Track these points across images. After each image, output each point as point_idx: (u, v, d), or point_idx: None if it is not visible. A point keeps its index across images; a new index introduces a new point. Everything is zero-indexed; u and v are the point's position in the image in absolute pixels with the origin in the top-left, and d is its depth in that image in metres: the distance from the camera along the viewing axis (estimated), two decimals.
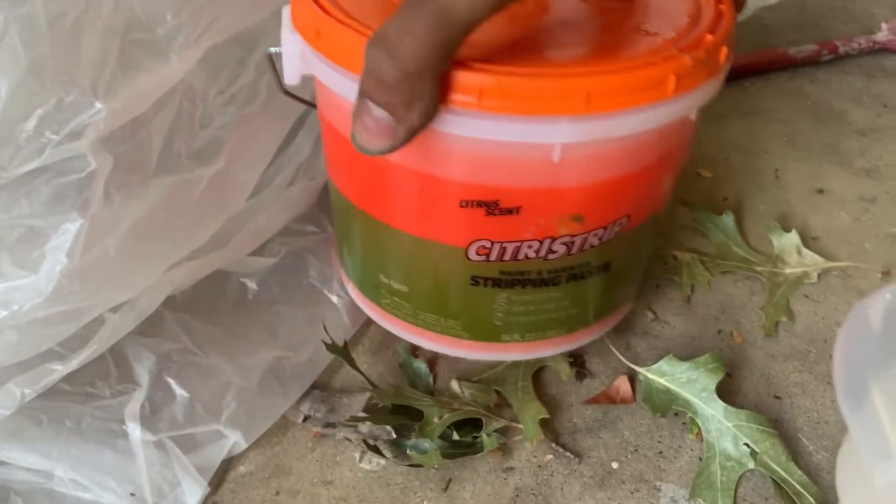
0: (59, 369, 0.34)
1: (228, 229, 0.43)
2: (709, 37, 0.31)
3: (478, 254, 0.34)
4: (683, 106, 0.31)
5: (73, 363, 0.35)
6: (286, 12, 0.35)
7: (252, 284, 0.46)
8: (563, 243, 0.34)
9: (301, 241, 0.48)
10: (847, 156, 0.57)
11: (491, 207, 0.32)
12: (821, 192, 0.54)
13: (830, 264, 0.48)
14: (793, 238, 0.49)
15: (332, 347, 0.42)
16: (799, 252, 0.49)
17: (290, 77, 0.34)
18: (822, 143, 0.58)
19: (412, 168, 0.32)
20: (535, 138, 0.29)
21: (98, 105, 0.31)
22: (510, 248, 0.34)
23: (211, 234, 0.41)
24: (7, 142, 0.29)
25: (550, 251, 0.34)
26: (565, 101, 0.28)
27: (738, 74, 0.64)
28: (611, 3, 0.35)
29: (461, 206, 0.32)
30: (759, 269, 0.48)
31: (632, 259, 0.40)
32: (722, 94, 0.61)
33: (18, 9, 0.29)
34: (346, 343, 0.43)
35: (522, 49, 0.31)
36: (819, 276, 0.48)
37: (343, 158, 0.36)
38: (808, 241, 0.50)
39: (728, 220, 0.50)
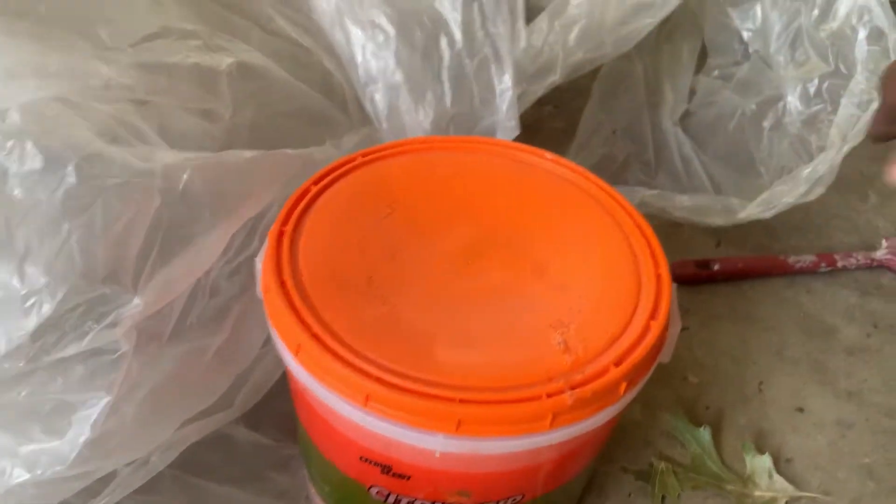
0: None
1: (233, 389, 0.47)
2: (613, 369, 0.34)
3: (377, 495, 0.39)
4: (567, 434, 0.34)
5: None
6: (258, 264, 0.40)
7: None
8: None
9: None
10: (832, 375, 0.60)
11: (385, 469, 0.37)
12: (801, 410, 0.57)
13: (799, 493, 0.51)
14: (765, 461, 0.52)
15: None
16: (770, 476, 0.51)
17: (259, 293, 0.39)
18: (810, 358, 0.61)
19: (329, 421, 0.37)
20: (416, 442, 0.33)
21: (136, 300, 0.36)
22: (404, 500, 0.39)
23: (218, 395, 0.45)
24: (53, 329, 0.34)
25: None
26: (439, 421, 0.32)
27: (737, 277, 0.68)
28: (551, 275, 0.39)
29: (361, 460, 0.37)
30: (729, 487, 0.50)
31: None
32: (719, 294, 0.66)
33: (80, 216, 0.34)
34: None
35: (422, 335, 0.35)
36: (786, 503, 0.50)
37: (294, 393, 0.42)
38: (781, 462, 0.53)
39: (705, 434, 0.53)
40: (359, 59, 0.54)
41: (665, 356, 0.39)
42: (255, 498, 0.46)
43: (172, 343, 0.40)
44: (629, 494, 0.50)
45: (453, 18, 0.54)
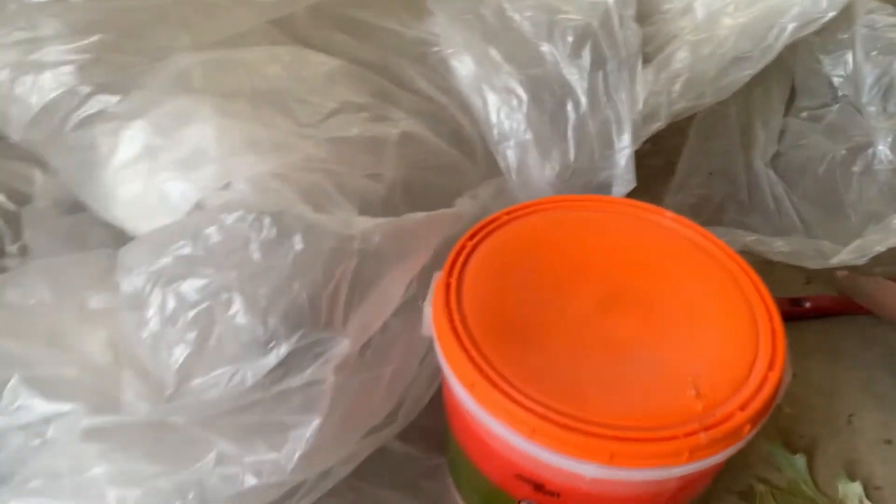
0: None
1: (396, 407, 0.55)
2: (739, 413, 0.40)
3: None
4: (696, 468, 0.41)
5: None
6: (431, 288, 0.48)
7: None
8: None
9: None
10: None
11: (537, 486, 0.44)
12: (889, 442, 0.62)
13: None
14: (857, 488, 0.57)
15: None
16: (861, 502, 0.57)
17: (426, 331, 0.47)
18: None
19: (490, 443, 0.45)
20: (570, 469, 0.41)
21: (345, 342, 0.44)
22: None
23: (387, 413, 0.53)
24: (278, 368, 0.42)
25: None
26: (594, 453, 0.39)
27: (828, 314, 0.73)
28: (678, 327, 0.46)
29: (516, 477, 0.45)
30: None
31: None
32: (809, 331, 0.71)
33: (306, 276, 0.43)
34: None
35: (573, 379, 0.42)
36: None
37: (454, 415, 0.50)
38: (870, 490, 0.58)
39: (801, 460, 0.59)
40: (493, 119, 0.61)
41: (778, 399, 0.45)
42: (410, 501, 0.54)
43: (356, 373, 0.48)
44: None
45: (580, 85, 0.61)
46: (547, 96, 0.60)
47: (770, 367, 0.44)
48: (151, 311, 0.42)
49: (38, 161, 0.66)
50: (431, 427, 0.58)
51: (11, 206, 0.64)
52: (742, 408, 0.41)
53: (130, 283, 0.43)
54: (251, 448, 0.44)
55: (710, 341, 0.45)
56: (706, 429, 0.40)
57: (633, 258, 0.51)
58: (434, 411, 0.55)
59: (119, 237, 0.57)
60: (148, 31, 0.52)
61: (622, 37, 0.60)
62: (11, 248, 0.62)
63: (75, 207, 0.61)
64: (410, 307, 0.53)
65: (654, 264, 0.51)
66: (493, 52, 0.60)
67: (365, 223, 0.46)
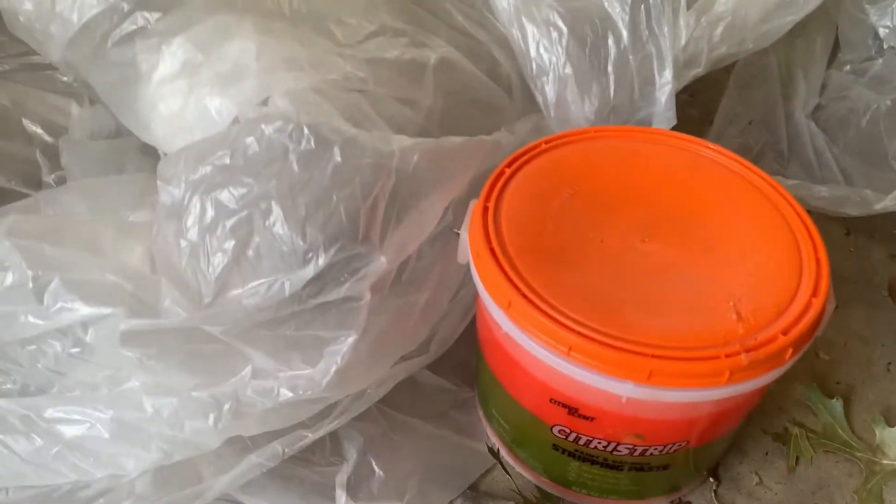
0: (310, 436, 0.47)
1: (428, 337, 0.55)
2: (781, 337, 0.39)
3: (559, 433, 0.46)
4: (738, 390, 0.40)
5: (320, 432, 0.47)
6: (468, 215, 0.47)
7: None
8: (627, 448, 0.45)
9: None
10: None
11: (571, 411, 0.44)
12: None
13: None
14: (894, 433, 0.56)
15: (491, 451, 0.53)
16: None
17: (462, 258, 0.47)
18: None
19: (525, 367, 0.44)
20: (607, 388, 0.40)
21: (382, 259, 0.44)
22: (583, 438, 0.46)
23: (419, 342, 0.53)
24: (318, 279, 0.42)
25: (616, 450, 0.46)
26: (632, 371, 0.39)
27: None
28: (720, 254, 0.45)
29: (550, 402, 0.44)
30: (859, 454, 0.55)
31: (692, 465, 0.50)
32: (847, 279, 0.69)
33: (345, 189, 0.42)
34: (498, 450, 0.54)
35: (612, 300, 0.42)
36: None
37: (488, 343, 0.49)
38: None
39: (837, 405, 0.58)
40: (532, 52, 0.60)
41: (821, 329, 0.44)
42: (440, 431, 0.54)
43: (391, 297, 0.48)
44: (766, 453, 0.56)
45: (621, 18, 0.59)
46: (587, 29, 0.59)
47: (814, 293, 0.43)
48: (191, 220, 0.42)
49: (75, 94, 0.66)
50: (463, 361, 0.58)
51: (48, 138, 0.64)
52: (785, 332, 0.41)
53: (169, 192, 0.43)
54: (287, 362, 0.44)
55: (753, 267, 0.44)
56: (747, 350, 0.39)
57: (675, 186, 0.50)
58: (466, 346, 0.55)
59: (156, 163, 0.57)
60: None
61: None
62: (48, 179, 0.63)
63: (111, 136, 0.61)
64: (447, 236, 0.52)
65: (698, 193, 0.50)
66: None
67: (404, 142, 0.46)
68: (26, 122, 0.65)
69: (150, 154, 0.58)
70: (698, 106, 0.87)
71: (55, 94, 0.67)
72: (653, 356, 0.39)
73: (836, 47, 0.90)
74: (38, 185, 0.64)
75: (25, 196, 0.55)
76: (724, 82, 0.84)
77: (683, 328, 0.41)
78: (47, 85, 0.67)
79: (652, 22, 0.60)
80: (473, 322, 0.54)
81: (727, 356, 0.39)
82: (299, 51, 0.48)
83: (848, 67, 0.88)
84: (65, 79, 0.65)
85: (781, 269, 0.44)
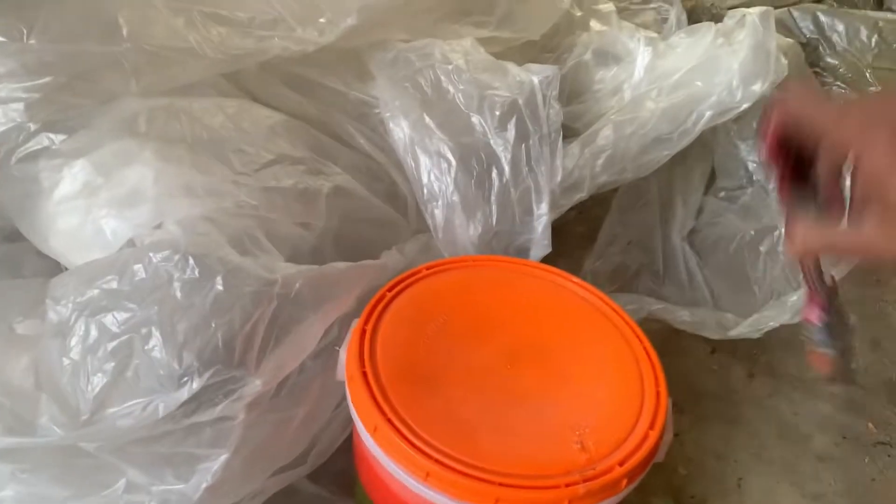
0: None
1: (307, 449, 0.57)
2: (618, 468, 0.44)
3: None
4: None
5: None
6: (348, 335, 0.51)
7: None
8: None
9: None
10: (802, 477, 0.70)
11: None
12: None
13: None
14: None
15: None
16: None
17: (339, 376, 0.50)
18: (784, 461, 0.71)
19: (391, 487, 0.47)
20: None
21: (257, 381, 0.47)
22: None
23: (298, 453, 0.55)
24: (193, 400, 0.45)
25: None
26: (481, 497, 0.42)
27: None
28: (573, 383, 0.49)
29: None
30: None
31: None
32: (708, 397, 0.75)
33: (224, 316, 0.45)
34: None
35: (470, 425, 0.46)
36: None
37: (361, 460, 0.52)
38: None
39: None
40: (424, 180, 0.65)
41: (659, 457, 0.49)
42: None
43: (269, 412, 0.51)
44: None
45: (504, 156, 0.65)
46: (474, 163, 0.65)
47: (651, 426, 0.48)
48: (74, 340, 0.44)
49: None
50: (343, 470, 0.60)
51: None
52: (621, 463, 0.45)
53: (57, 311, 0.45)
54: (159, 477, 0.46)
55: (600, 398, 0.49)
56: (586, 480, 0.44)
57: (539, 316, 0.55)
58: (346, 454, 0.58)
59: (53, 269, 0.59)
60: (99, 75, 0.55)
61: (545, 114, 0.65)
62: None
63: (12, 236, 0.63)
64: (330, 352, 0.56)
65: (558, 323, 0.55)
66: (428, 119, 0.65)
67: (288, 269, 0.49)
68: None
69: (47, 258, 0.60)
70: (585, 223, 0.94)
71: None
72: (500, 484, 0.43)
73: (714, 174, 1.00)
74: None
75: None
76: (611, 202, 0.92)
77: (531, 455, 0.45)
78: None
79: (531, 160, 0.66)
80: (353, 433, 0.57)
81: (567, 486, 0.43)
82: (196, 178, 0.52)
83: (723, 194, 0.97)
84: None
85: (625, 401, 0.49)
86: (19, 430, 0.43)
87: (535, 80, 0.65)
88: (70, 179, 0.51)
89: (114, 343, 0.44)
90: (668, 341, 0.82)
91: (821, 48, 1.05)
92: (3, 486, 0.44)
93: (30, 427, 0.43)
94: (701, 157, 0.98)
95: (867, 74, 1.05)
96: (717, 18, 0.98)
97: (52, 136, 0.52)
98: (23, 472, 0.43)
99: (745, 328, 0.72)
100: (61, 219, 0.52)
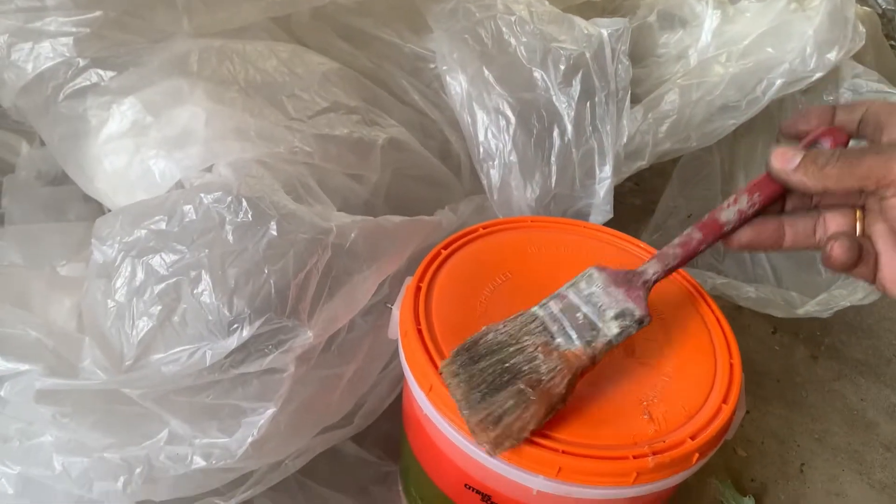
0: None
1: (354, 409, 0.55)
2: (689, 442, 0.41)
3: None
4: (644, 490, 0.41)
5: (232, 501, 0.46)
6: (401, 292, 0.48)
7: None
8: None
9: None
10: (869, 466, 0.66)
11: (485, 497, 0.45)
12: (837, 495, 0.63)
13: None
14: None
15: None
16: None
17: (392, 334, 0.48)
18: (850, 448, 0.67)
19: (443, 451, 0.45)
20: (519, 480, 0.41)
21: (309, 333, 0.44)
22: None
23: (345, 413, 0.53)
24: (242, 349, 0.43)
25: None
26: (543, 466, 0.39)
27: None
28: (639, 353, 0.46)
29: (465, 487, 0.45)
30: None
31: None
32: (769, 378, 0.71)
33: (277, 263, 0.43)
34: None
35: None
36: None
37: (410, 421, 0.50)
38: None
39: (750, 503, 0.59)
40: (481, 137, 0.62)
41: (730, 434, 0.46)
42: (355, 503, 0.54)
43: (318, 368, 0.48)
44: None
45: (567, 113, 0.62)
46: (534, 121, 0.61)
47: (724, 400, 0.44)
48: (120, 282, 0.42)
49: (25, 132, 0.67)
50: (388, 434, 0.58)
51: None
52: (693, 437, 0.42)
53: (103, 251, 0.43)
54: (203, 430, 0.44)
55: (669, 370, 0.46)
56: (655, 453, 0.41)
57: None
58: (392, 418, 0.56)
59: (97, 214, 0.57)
60: (150, 12, 0.53)
61: (613, 70, 0.61)
62: None
63: (57, 180, 0.62)
64: (381, 309, 0.53)
65: None
66: (487, 73, 0.61)
67: (342, 218, 0.47)
68: None
69: (92, 202, 0.59)
70: (642, 195, 0.90)
71: (4, 131, 0.67)
72: (563, 452, 0.40)
73: None
74: None
75: None
76: (671, 174, 0.88)
77: (596, 426, 0.42)
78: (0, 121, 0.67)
79: (596, 119, 0.62)
80: (401, 395, 0.54)
81: (635, 457, 0.40)
82: (249, 121, 0.49)
83: None
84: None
85: (696, 373, 0.46)
86: (61, 372, 0.41)
87: (605, 32, 0.61)
88: (118, 117, 0.49)
89: (161, 286, 0.41)
90: (728, 317, 0.78)
91: None
92: (44, 430, 0.42)
93: (72, 370, 0.41)
94: (765, 131, 0.93)
95: None
96: None
97: (101, 72, 0.50)
98: (63, 417, 0.41)
99: (813, 307, 0.68)
100: (108, 158, 0.49)
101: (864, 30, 0.85)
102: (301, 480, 0.53)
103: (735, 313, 0.75)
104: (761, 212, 0.42)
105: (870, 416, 0.71)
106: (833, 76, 0.84)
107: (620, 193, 0.93)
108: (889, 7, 1.00)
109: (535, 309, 0.44)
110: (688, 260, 0.44)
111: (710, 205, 0.86)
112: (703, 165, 0.86)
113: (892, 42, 1.00)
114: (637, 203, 0.90)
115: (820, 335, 0.79)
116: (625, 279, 0.44)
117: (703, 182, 0.85)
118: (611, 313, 0.43)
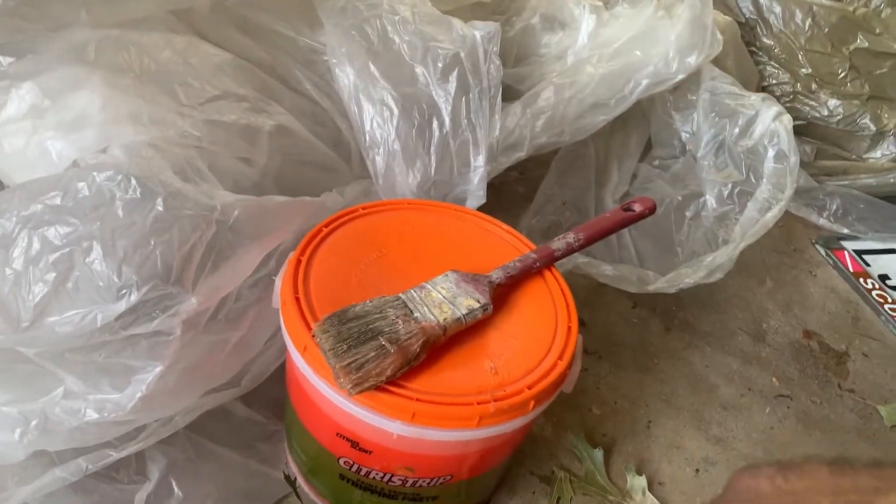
0: (114, 455, 0.51)
1: (241, 372, 0.60)
2: (526, 391, 0.48)
3: (344, 464, 0.54)
4: (488, 433, 0.48)
5: (124, 452, 0.51)
6: (283, 268, 0.54)
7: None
8: (399, 479, 0.53)
9: None
10: (706, 423, 0.75)
11: (353, 444, 0.51)
12: (677, 447, 0.72)
13: None
14: (642, 481, 0.66)
15: (288, 479, 0.59)
16: (644, 494, 0.66)
17: (275, 303, 0.54)
18: (692, 408, 0.77)
19: (318, 404, 0.51)
20: (380, 426, 0.47)
21: (192, 300, 0.49)
22: (364, 469, 0.53)
23: (231, 376, 0.58)
24: (131, 312, 0.47)
25: (390, 481, 0.53)
26: (400, 412, 0.46)
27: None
28: (497, 328, 0.53)
29: (337, 436, 0.51)
30: (611, 498, 0.65)
31: (463, 497, 0.59)
32: (625, 347, 0.80)
33: (163, 236, 0.48)
34: (295, 479, 0.60)
35: None
36: None
37: (291, 381, 0.56)
38: (654, 484, 0.67)
39: (598, 454, 0.67)
40: (367, 127, 0.68)
41: (567, 387, 0.53)
42: (244, 460, 0.59)
43: (205, 333, 0.53)
44: (533, 493, 0.64)
45: (445, 107, 0.68)
46: (416, 113, 0.68)
47: (560, 357, 0.52)
48: (17, 252, 0.46)
49: None
50: (277, 399, 0.63)
51: None
52: (530, 387, 0.49)
53: (1, 224, 0.47)
54: (96, 386, 0.49)
55: (515, 331, 0.53)
56: (496, 400, 0.48)
57: (466, 255, 0.58)
58: (280, 384, 0.61)
59: None
60: (48, 3, 0.56)
61: (485, 69, 0.68)
62: None
63: None
64: (267, 282, 0.58)
65: (484, 262, 0.58)
66: (373, 67, 0.67)
67: (227, 197, 0.52)
68: None
69: None
70: (526, 183, 0.98)
71: None
72: (417, 400, 0.47)
73: (650, 142, 1.04)
74: None
75: None
76: (550, 164, 0.96)
77: (447, 380, 0.49)
78: None
79: (471, 113, 0.69)
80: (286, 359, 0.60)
81: (479, 403, 0.47)
82: (142, 107, 0.54)
83: (657, 162, 1.02)
84: None
85: (539, 336, 0.53)
86: None
87: (478, 35, 0.68)
88: (17, 101, 0.53)
89: (55, 255, 0.46)
90: (593, 294, 0.87)
91: (758, 28, 1.10)
92: None
93: None
94: (638, 126, 1.03)
95: (800, 56, 1.10)
96: None
97: (1, 58, 0.53)
98: None
99: (662, 283, 0.77)
100: (7, 140, 0.53)
101: (722, 37, 0.95)
102: (192, 437, 0.58)
103: (600, 289, 0.83)
104: (585, 246, 0.62)
105: (712, 381, 0.80)
106: (694, 78, 0.93)
107: (506, 181, 1.01)
108: (751, 16, 1.10)
109: (399, 294, 0.51)
110: (525, 272, 0.57)
111: (583, 193, 0.94)
112: (578, 157, 0.94)
113: (753, 49, 1.11)
114: (521, 190, 0.97)
115: (675, 310, 0.88)
116: (473, 279, 0.54)
117: (578, 172, 0.94)
118: (461, 300, 0.51)
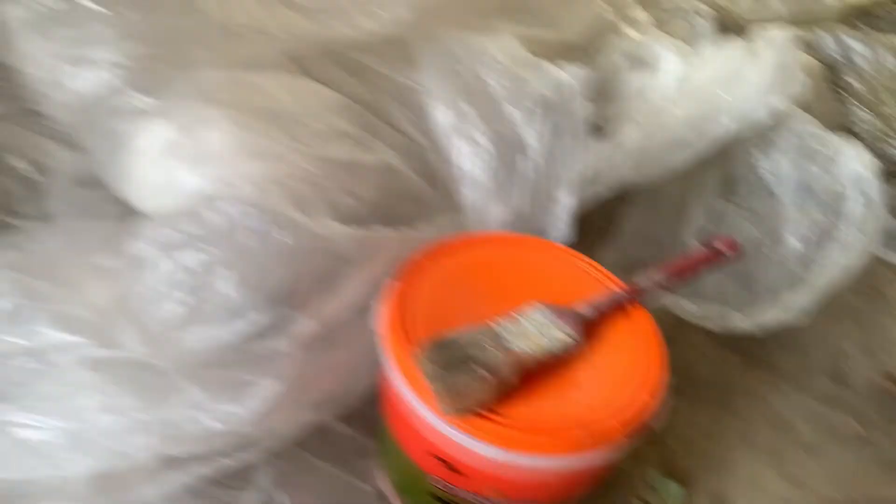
0: (228, 462, 0.55)
1: (342, 391, 0.64)
2: (617, 427, 0.51)
3: (434, 483, 0.56)
4: (578, 462, 0.52)
5: (237, 461, 0.56)
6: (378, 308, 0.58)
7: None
8: (487, 500, 0.55)
9: None
10: (785, 463, 0.76)
11: (446, 464, 0.54)
12: (756, 486, 0.73)
13: None
14: None
15: (380, 495, 0.63)
16: None
17: (374, 327, 0.57)
18: (770, 447, 0.77)
19: (413, 424, 0.54)
20: (473, 448, 0.51)
21: (308, 321, 0.54)
22: (455, 489, 0.55)
23: (337, 394, 0.62)
24: (251, 332, 0.52)
25: (478, 501, 0.56)
26: (494, 437, 0.49)
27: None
28: (592, 365, 0.56)
29: (429, 455, 0.54)
30: None
31: None
32: (700, 382, 0.81)
33: (288, 265, 0.52)
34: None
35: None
36: None
37: (387, 400, 0.59)
38: None
39: (676, 488, 0.69)
40: (459, 162, 0.72)
41: (655, 424, 0.55)
42: (340, 472, 0.63)
43: (316, 353, 0.58)
44: None
45: (533, 145, 0.72)
46: (505, 150, 0.71)
47: (651, 394, 0.54)
48: (153, 273, 0.51)
49: (65, 140, 0.76)
50: (370, 415, 0.67)
51: (33, 175, 0.73)
52: (622, 422, 0.52)
53: (139, 247, 0.52)
54: (219, 398, 0.53)
55: (603, 364, 0.56)
56: (590, 431, 0.50)
57: (551, 289, 0.61)
58: (372, 402, 0.65)
59: (128, 214, 0.66)
60: (181, 46, 0.62)
61: (573, 109, 0.72)
62: (29, 212, 0.71)
63: (91, 183, 0.71)
64: (368, 308, 0.63)
65: (568, 296, 0.61)
66: (466, 107, 0.71)
67: (340, 229, 0.56)
68: (15, 160, 0.73)
69: (119, 204, 0.68)
70: (606, 218, 1.00)
71: (41, 137, 0.76)
72: (512, 427, 0.50)
73: (733, 182, 1.05)
74: (14, 214, 0.73)
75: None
76: (633, 199, 0.98)
77: (540, 408, 0.52)
78: (35, 127, 0.76)
79: (559, 151, 0.72)
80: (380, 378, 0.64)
81: (572, 433, 0.50)
82: (263, 143, 0.59)
83: (739, 200, 1.02)
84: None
85: (628, 370, 0.56)
86: (105, 344, 0.50)
87: (568, 78, 0.72)
88: (154, 135, 0.58)
89: (188, 278, 0.51)
90: (674, 330, 0.88)
91: (843, 69, 1.11)
92: (88, 393, 0.51)
93: (113, 343, 0.50)
94: (720, 165, 1.04)
95: (886, 98, 1.10)
96: (745, 31, 1.03)
97: (139, 96, 0.59)
98: (104, 383, 0.51)
99: (747, 324, 0.78)
100: (142, 170, 0.59)
101: (809, 79, 0.96)
102: (295, 450, 0.62)
103: (680, 325, 0.85)
104: (672, 288, 0.65)
105: (791, 420, 0.81)
106: (778, 121, 0.94)
107: (587, 215, 1.03)
108: (837, 56, 1.11)
109: (490, 324, 0.54)
110: (613, 308, 0.60)
111: (664, 229, 0.96)
112: (660, 194, 0.96)
113: (839, 90, 1.11)
114: (601, 224, 0.99)
115: (754, 347, 0.89)
116: (563, 312, 0.57)
117: (659, 209, 0.96)
118: (552, 332, 0.54)
